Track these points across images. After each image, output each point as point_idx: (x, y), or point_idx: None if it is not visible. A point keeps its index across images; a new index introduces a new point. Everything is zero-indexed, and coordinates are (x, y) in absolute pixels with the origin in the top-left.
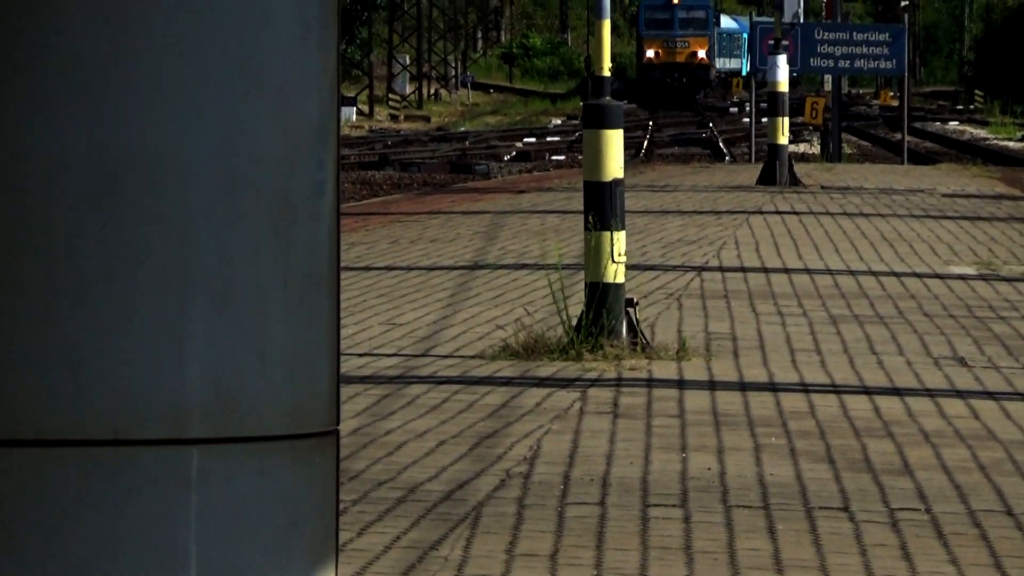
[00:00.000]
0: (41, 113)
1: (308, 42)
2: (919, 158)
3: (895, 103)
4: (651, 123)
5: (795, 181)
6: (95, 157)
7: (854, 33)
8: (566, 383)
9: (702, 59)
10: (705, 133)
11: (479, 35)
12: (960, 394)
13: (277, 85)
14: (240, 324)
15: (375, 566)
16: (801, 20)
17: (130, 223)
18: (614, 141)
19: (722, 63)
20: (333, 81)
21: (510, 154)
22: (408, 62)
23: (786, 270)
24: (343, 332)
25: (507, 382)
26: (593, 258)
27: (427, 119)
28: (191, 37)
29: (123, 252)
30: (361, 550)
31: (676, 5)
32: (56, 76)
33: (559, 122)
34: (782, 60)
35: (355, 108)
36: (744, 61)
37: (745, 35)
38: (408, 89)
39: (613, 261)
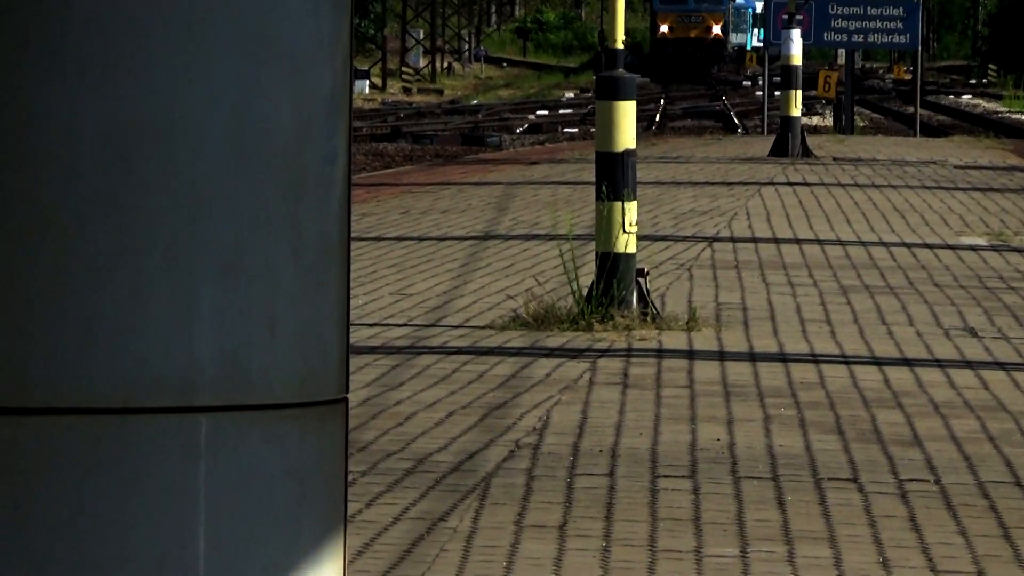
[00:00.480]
0: (51, 85)
1: (320, 13)
2: (932, 131)
3: (908, 77)
4: (664, 96)
5: (807, 153)
6: (105, 129)
7: (868, 7)
8: (576, 354)
9: (716, 34)
10: (718, 106)
11: (493, 9)
12: (970, 364)
13: (288, 56)
14: (250, 294)
15: (384, 537)
16: None
17: (140, 194)
18: (627, 112)
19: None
20: (346, 52)
21: (522, 127)
22: (422, 36)
23: (797, 241)
24: (354, 302)
25: (517, 352)
26: (604, 228)
27: (440, 92)
28: (201, 8)
29: (133, 223)
30: (370, 521)
31: None
32: (66, 48)
33: (572, 95)
34: (796, 34)
35: (368, 81)
36: (749, 36)
37: (751, 9)
38: (422, 63)
39: (624, 231)
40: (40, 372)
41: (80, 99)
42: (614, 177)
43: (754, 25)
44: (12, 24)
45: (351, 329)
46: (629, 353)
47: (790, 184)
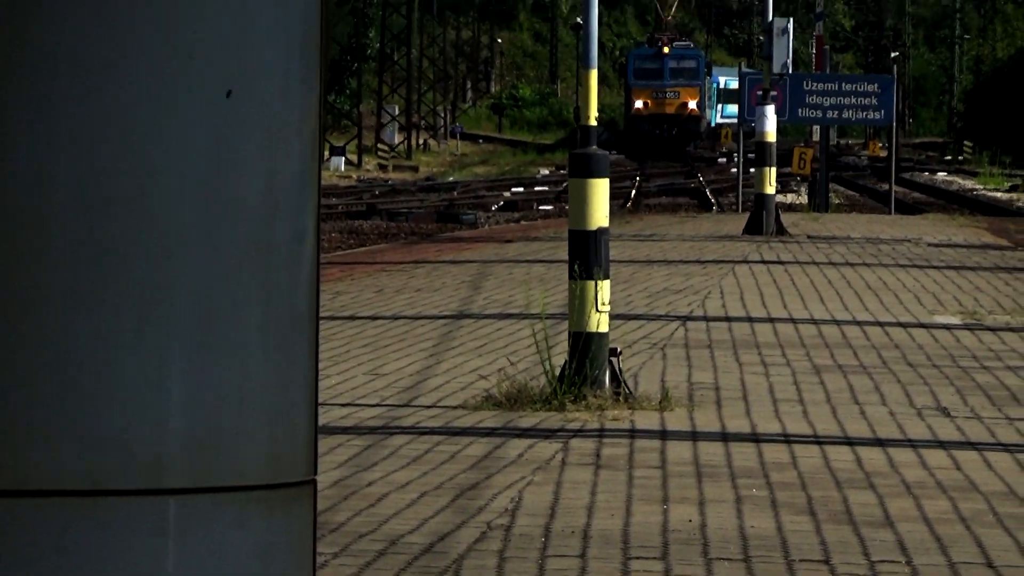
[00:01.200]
0: (26, 177)
1: (290, 89)
2: (907, 208)
3: (884, 154)
4: (639, 173)
5: (781, 231)
6: (77, 204)
7: (843, 83)
8: (548, 434)
9: (692, 110)
10: (693, 183)
11: (468, 86)
12: (942, 445)
13: (258, 133)
14: (219, 372)
15: None
16: (789, 71)
17: (110, 269)
18: (600, 190)
19: None
20: (316, 129)
21: (498, 204)
22: (397, 112)
23: (771, 319)
24: (327, 382)
25: (490, 432)
26: (577, 307)
27: (415, 169)
28: (171, 83)
29: (103, 299)
30: None
31: (666, 55)
32: (35, 91)
33: (547, 172)
34: (770, 110)
35: (344, 158)
36: (713, 112)
37: (715, 84)
38: (397, 139)
39: (597, 310)
40: (8, 452)
41: (54, 165)
42: (587, 255)
43: (719, 100)
44: None
45: (324, 409)
46: (602, 433)
47: (764, 262)
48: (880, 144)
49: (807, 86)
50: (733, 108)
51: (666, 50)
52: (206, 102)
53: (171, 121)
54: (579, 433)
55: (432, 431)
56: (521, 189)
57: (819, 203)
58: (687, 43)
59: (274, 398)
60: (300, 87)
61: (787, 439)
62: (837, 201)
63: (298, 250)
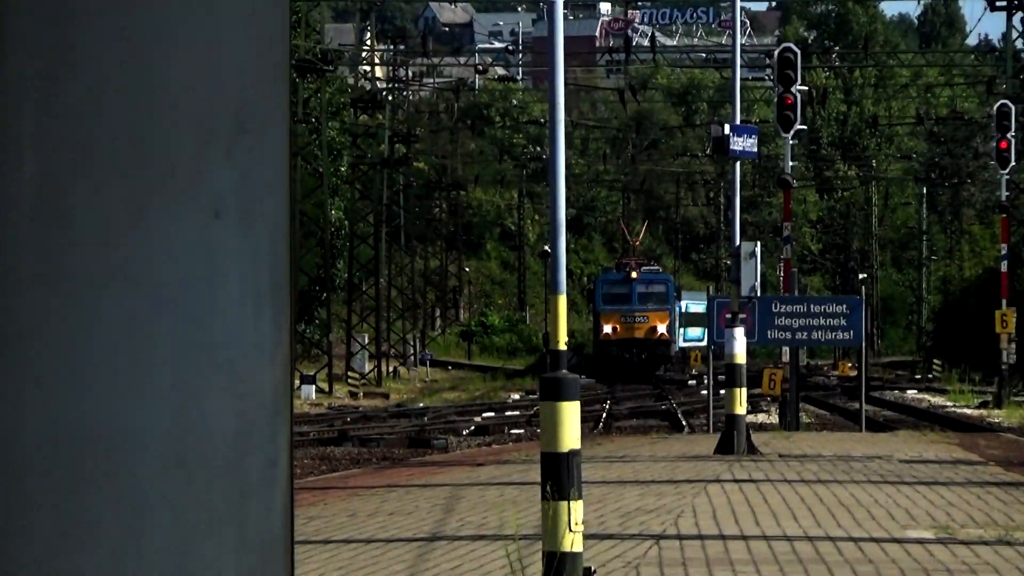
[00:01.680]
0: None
1: (261, 319)
2: (877, 426)
3: (853, 373)
4: (609, 396)
5: (752, 450)
6: (47, 436)
7: (812, 305)
8: None
9: (662, 334)
10: (663, 405)
11: (437, 314)
12: None
13: (229, 362)
14: None
15: None
16: (757, 293)
17: (81, 501)
18: (570, 412)
19: None
20: (286, 357)
21: (469, 428)
22: (367, 341)
23: (744, 537)
24: None
25: None
26: (551, 528)
27: (386, 396)
28: (140, 316)
29: (75, 530)
30: None
31: (635, 279)
32: (6, 356)
33: (518, 397)
34: (739, 332)
35: (314, 386)
36: (676, 334)
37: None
38: (367, 367)
39: (570, 530)
40: None
41: (21, 408)
42: (559, 477)
43: (681, 324)
44: None
45: None
46: None
47: (736, 481)
48: (849, 364)
49: (776, 308)
50: (695, 332)
51: (634, 275)
52: (176, 341)
53: (138, 353)
54: None
55: None
56: (492, 414)
57: (790, 422)
58: (655, 267)
59: None
60: (271, 323)
61: None
62: (808, 420)
63: (272, 475)
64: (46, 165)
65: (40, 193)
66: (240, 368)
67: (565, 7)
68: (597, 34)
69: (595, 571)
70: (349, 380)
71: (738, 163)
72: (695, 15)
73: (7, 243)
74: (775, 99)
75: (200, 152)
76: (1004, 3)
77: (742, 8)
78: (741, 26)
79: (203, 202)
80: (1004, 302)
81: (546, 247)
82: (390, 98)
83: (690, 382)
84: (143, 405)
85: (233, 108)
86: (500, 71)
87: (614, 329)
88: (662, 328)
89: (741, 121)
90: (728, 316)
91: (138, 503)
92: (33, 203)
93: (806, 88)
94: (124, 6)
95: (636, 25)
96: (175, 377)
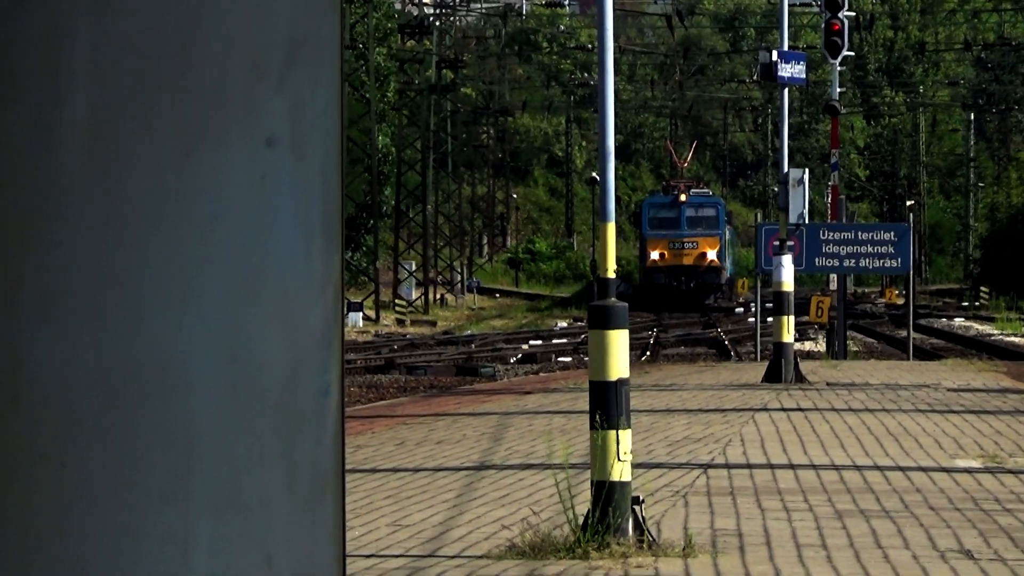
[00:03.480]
0: (46, 328)
1: (312, 250)
2: (925, 354)
3: (901, 301)
4: (656, 325)
5: (800, 378)
6: (100, 369)
7: (859, 233)
8: None
9: (712, 261)
10: (711, 333)
11: (484, 241)
12: None
13: (280, 294)
14: (245, 529)
15: None
16: (806, 220)
17: (135, 432)
18: (619, 341)
19: None
20: (337, 287)
21: (516, 356)
22: (414, 268)
23: (792, 466)
24: (350, 534)
25: None
26: (599, 457)
27: (433, 324)
28: (192, 249)
29: (128, 462)
30: None
31: (683, 203)
32: (58, 293)
33: (565, 324)
34: (787, 260)
35: (361, 313)
36: (726, 258)
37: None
38: (414, 295)
39: (619, 459)
40: None
41: (74, 344)
42: (608, 406)
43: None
44: (3, 270)
45: (348, 561)
46: None
47: (784, 410)
48: (897, 292)
49: (823, 236)
50: None
51: (683, 198)
52: (228, 273)
53: (191, 286)
54: None
55: None
56: (539, 342)
57: (837, 351)
58: (706, 190)
59: (301, 551)
60: (321, 252)
61: None
62: (855, 348)
63: (323, 406)
64: (98, 98)
65: (92, 127)
66: (291, 300)
67: None
68: None
69: (643, 500)
70: (396, 307)
71: (786, 89)
72: None
73: (60, 178)
74: (822, 25)
75: (252, 82)
76: None
77: None
78: None
79: (255, 132)
80: None
81: (594, 174)
82: (437, 23)
83: (737, 310)
84: (194, 337)
85: (284, 37)
86: None
87: (661, 256)
88: (712, 254)
89: (789, 47)
90: (776, 243)
91: (189, 433)
92: (85, 137)
93: (853, 14)
94: None
95: None
96: (226, 309)
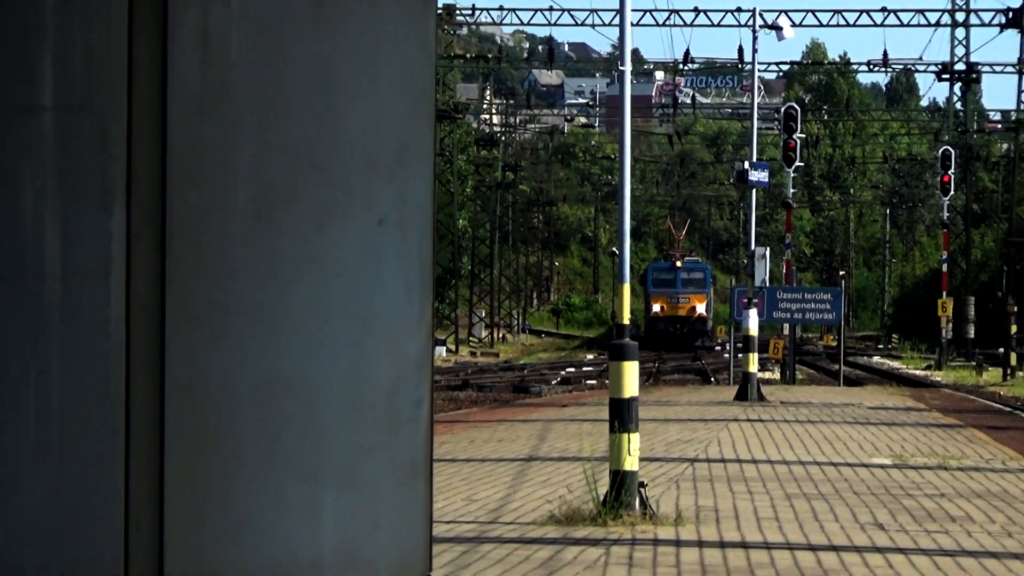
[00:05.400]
0: (219, 350)
1: (412, 300)
2: (851, 382)
3: (834, 343)
4: (658, 359)
5: (761, 398)
6: (257, 381)
7: (805, 294)
8: (595, 542)
9: (700, 313)
10: (698, 364)
11: (534, 296)
12: (879, 550)
13: (388, 330)
14: (360, 502)
15: None
16: (767, 284)
17: (280, 427)
18: (631, 370)
19: None
20: (429, 327)
21: (556, 379)
22: (483, 315)
23: (754, 461)
24: (434, 506)
25: (553, 542)
26: (615, 452)
27: (496, 355)
28: (325, 297)
29: (275, 451)
30: None
31: (679, 268)
32: (228, 323)
33: (591, 357)
34: (753, 313)
35: (445, 347)
36: (711, 311)
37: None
38: (483, 334)
39: (629, 455)
40: (212, 554)
41: (238, 363)
42: (622, 416)
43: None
44: (189, 306)
45: (432, 525)
46: (633, 542)
47: (749, 421)
48: (832, 336)
49: (780, 296)
50: None
51: (679, 264)
52: (350, 314)
53: (321, 322)
54: (617, 542)
55: (511, 540)
56: (573, 369)
57: (788, 378)
58: (696, 258)
59: (400, 519)
60: (418, 301)
61: (767, 546)
62: (801, 377)
63: (417, 412)
64: (257, 186)
65: (253, 207)
66: (396, 335)
67: (631, 75)
68: (653, 94)
69: (646, 484)
70: (470, 343)
71: (754, 190)
72: (724, 81)
73: (229, 243)
74: (781, 143)
75: (369, 176)
76: (947, 77)
77: (758, 77)
78: (757, 90)
79: (371, 214)
80: (944, 293)
81: (614, 248)
82: (502, 138)
83: (716, 348)
84: (324, 362)
85: (394, 144)
86: (582, 120)
87: (662, 308)
88: (701, 308)
89: (756, 159)
90: (745, 301)
91: (320, 431)
92: (247, 213)
93: (803, 135)
94: (318, 75)
95: (681, 88)
96: (348, 341)
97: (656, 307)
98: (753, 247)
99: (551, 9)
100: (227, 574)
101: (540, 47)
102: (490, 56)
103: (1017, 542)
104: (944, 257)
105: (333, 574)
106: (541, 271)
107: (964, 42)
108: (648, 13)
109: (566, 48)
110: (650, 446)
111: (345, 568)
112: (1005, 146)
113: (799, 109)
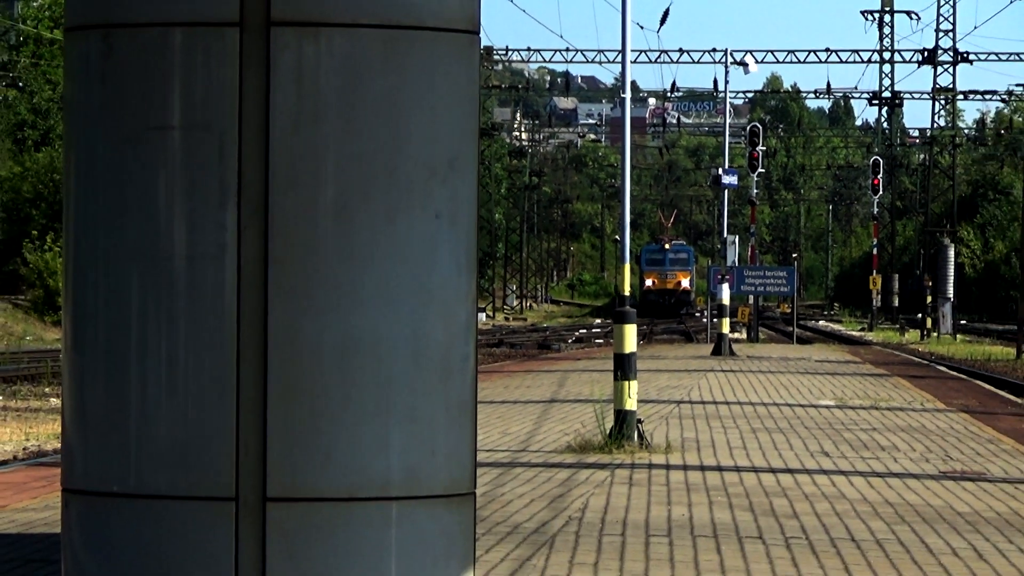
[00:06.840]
0: (308, 315)
1: (460, 277)
2: (803, 341)
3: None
4: (650, 324)
5: (732, 353)
6: (340, 340)
7: (766, 271)
8: (603, 466)
9: (685, 287)
10: (682, 327)
11: (555, 273)
12: (825, 472)
13: (442, 301)
14: (420, 435)
15: (493, 572)
16: (736, 264)
17: (357, 373)
18: (631, 331)
19: None
20: (473, 298)
21: (572, 338)
22: (515, 288)
23: (727, 403)
24: (477, 438)
25: (570, 466)
26: (618, 396)
27: (525, 320)
28: (393, 275)
29: (354, 395)
30: (486, 561)
31: (667, 250)
32: (316, 294)
33: (599, 322)
34: (726, 287)
35: (485, 313)
36: (694, 285)
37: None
38: (515, 303)
39: (629, 398)
40: (304, 476)
41: (324, 325)
42: (624, 367)
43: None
44: (289, 281)
45: (476, 452)
46: (633, 466)
47: (723, 371)
48: (787, 305)
49: (746, 273)
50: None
51: (667, 246)
52: (412, 289)
53: (391, 295)
54: (620, 466)
55: (537, 464)
56: (584, 330)
57: (753, 337)
58: (681, 242)
59: (452, 447)
60: (465, 278)
61: (737, 469)
62: (763, 337)
63: (465, 365)
64: (338, 187)
65: (336, 203)
66: (448, 304)
67: (630, 101)
68: (647, 116)
69: (643, 421)
70: (504, 310)
71: (726, 191)
72: (703, 106)
73: (317, 233)
74: (747, 154)
75: (428, 179)
76: (877, 103)
77: (729, 102)
78: (728, 112)
79: (429, 209)
80: (874, 271)
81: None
82: (529, 151)
83: (696, 314)
84: (392, 325)
85: (447, 154)
86: (592, 136)
87: (653, 283)
88: (685, 283)
89: (728, 166)
90: (719, 277)
91: (388, 379)
92: (331, 210)
93: (764, 148)
94: (387, 100)
95: (669, 111)
96: (411, 309)
97: (648, 282)
98: (725, 235)
99: (567, 49)
100: (316, 491)
101: (559, 79)
102: (519, 86)
103: (932, 466)
104: (874, 243)
105: (399, 491)
106: (560, 254)
107: (890, 75)
108: (643, 52)
109: (579, 80)
110: (645, 391)
111: (408, 486)
112: (922, 156)
113: (761, 127)
